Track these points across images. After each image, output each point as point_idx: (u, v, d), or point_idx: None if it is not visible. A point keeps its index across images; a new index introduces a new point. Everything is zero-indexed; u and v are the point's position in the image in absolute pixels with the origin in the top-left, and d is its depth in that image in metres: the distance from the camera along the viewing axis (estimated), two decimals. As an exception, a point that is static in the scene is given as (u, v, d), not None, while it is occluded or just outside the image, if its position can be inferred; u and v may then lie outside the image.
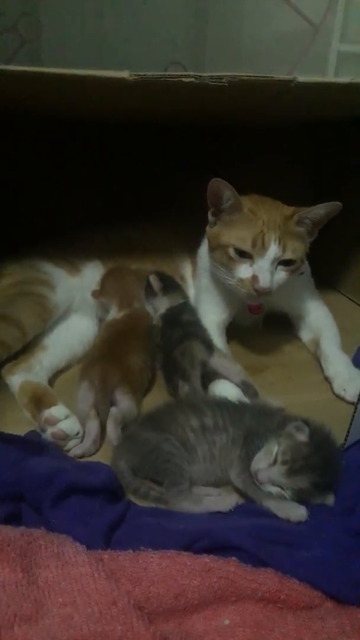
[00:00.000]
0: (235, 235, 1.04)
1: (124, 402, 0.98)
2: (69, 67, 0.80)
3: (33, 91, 0.94)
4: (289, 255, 1.04)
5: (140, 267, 1.28)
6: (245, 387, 1.04)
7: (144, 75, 0.82)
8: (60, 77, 0.81)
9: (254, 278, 1.02)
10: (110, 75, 0.82)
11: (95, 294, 1.21)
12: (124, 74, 0.81)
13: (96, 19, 1.33)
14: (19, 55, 1.31)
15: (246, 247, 1.02)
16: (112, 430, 0.93)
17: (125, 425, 0.96)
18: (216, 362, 1.06)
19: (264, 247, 1.02)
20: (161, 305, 1.17)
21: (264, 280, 1.02)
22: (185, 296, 1.23)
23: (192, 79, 0.85)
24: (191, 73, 0.85)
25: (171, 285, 1.22)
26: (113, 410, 0.96)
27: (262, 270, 1.02)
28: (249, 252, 1.03)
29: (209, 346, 1.07)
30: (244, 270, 1.05)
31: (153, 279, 1.17)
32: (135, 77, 0.82)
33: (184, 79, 0.85)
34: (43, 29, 1.30)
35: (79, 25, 1.33)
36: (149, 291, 1.18)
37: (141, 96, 0.95)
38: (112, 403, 0.98)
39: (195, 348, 1.05)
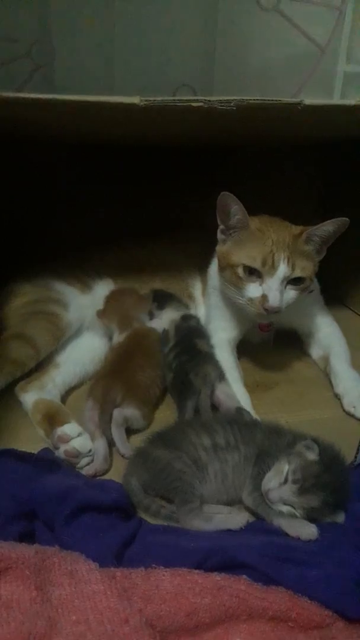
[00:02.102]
0: (246, 254, 1.06)
1: (128, 409, 1.00)
2: (82, 92, 0.82)
3: (46, 117, 0.97)
4: (298, 274, 1.05)
5: (150, 285, 1.31)
6: (239, 413, 1.03)
7: (154, 100, 0.84)
8: (72, 103, 0.83)
9: (264, 297, 1.04)
10: (122, 101, 0.84)
11: (99, 314, 1.23)
12: (135, 99, 0.83)
13: (107, 44, 1.37)
14: (33, 80, 1.34)
15: (256, 265, 1.04)
16: (115, 432, 0.95)
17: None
18: (221, 388, 1.06)
19: (273, 267, 1.03)
20: (167, 317, 1.21)
21: (274, 300, 1.03)
22: (185, 307, 1.27)
23: (201, 104, 0.86)
24: (200, 98, 0.87)
25: (164, 298, 1.25)
26: (115, 412, 0.98)
27: (271, 290, 1.03)
28: (259, 271, 1.04)
29: (221, 374, 1.08)
30: (254, 290, 1.06)
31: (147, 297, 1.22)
32: (146, 102, 0.84)
33: (193, 104, 0.87)
34: (56, 54, 1.34)
35: (91, 50, 1.36)
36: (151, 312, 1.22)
37: (151, 120, 0.97)
38: None
39: (209, 369, 1.06)
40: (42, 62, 1.33)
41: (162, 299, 1.26)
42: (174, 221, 1.45)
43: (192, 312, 1.30)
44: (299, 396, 1.17)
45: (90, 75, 1.37)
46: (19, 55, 1.32)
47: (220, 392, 1.04)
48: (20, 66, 1.32)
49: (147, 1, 1.33)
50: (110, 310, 1.23)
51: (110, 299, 1.26)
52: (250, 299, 1.06)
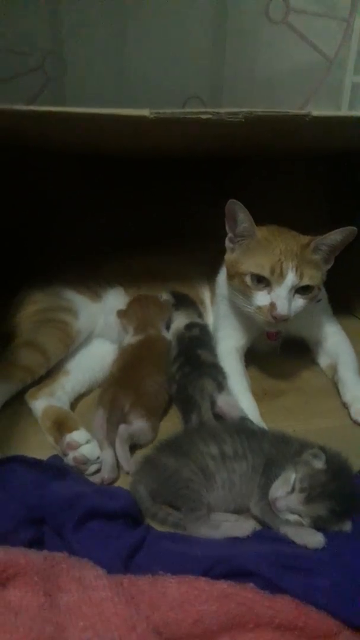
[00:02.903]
0: (254, 263, 1.07)
1: (136, 423, 1.00)
2: (92, 104, 0.84)
3: (57, 128, 0.99)
4: (306, 282, 1.06)
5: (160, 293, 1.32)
6: (242, 422, 1.04)
7: (164, 112, 0.85)
8: (83, 115, 0.85)
9: (272, 305, 1.04)
10: (131, 114, 0.85)
11: (120, 314, 1.25)
12: (144, 112, 0.85)
13: (117, 56, 1.39)
14: (44, 93, 1.36)
15: (265, 273, 1.05)
16: (119, 448, 0.95)
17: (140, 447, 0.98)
18: (221, 398, 1.06)
19: (282, 275, 1.04)
20: (177, 320, 1.22)
21: (282, 308, 1.03)
22: (200, 315, 1.27)
23: (210, 116, 0.88)
24: (209, 110, 0.88)
25: (185, 301, 1.26)
26: (121, 427, 0.98)
27: (280, 298, 1.04)
28: (267, 279, 1.05)
29: (220, 385, 1.09)
30: (262, 298, 1.07)
31: (166, 295, 1.21)
32: (155, 114, 0.85)
33: (201, 116, 0.88)
34: (67, 67, 1.36)
35: (101, 63, 1.38)
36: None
37: (161, 131, 0.98)
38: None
39: (206, 383, 1.07)
40: (54, 74, 1.36)
41: (179, 300, 1.28)
42: (183, 230, 1.46)
43: (202, 319, 1.30)
44: (307, 405, 1.18)
45: (101, 88, 1.39)
46: (31, 68, 1.34)
47: (222, 403, 1.05)
48: (33, 79, 1.35)
49: (156, 14, 1.35)
50: (132, 312, 1.25)
51: (134, 302, 1.28)
52: (259, 307, 1.07)
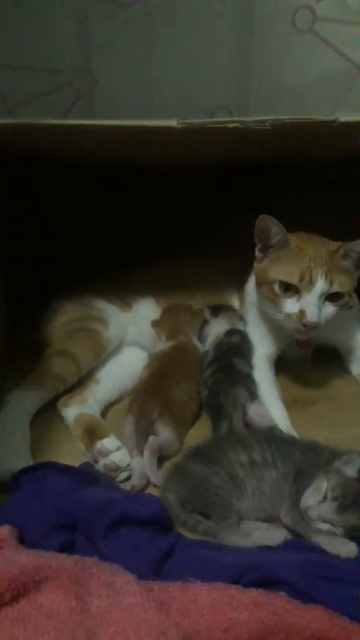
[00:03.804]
0: (283, 270, 1.06)
1: (163, 434, 1.01)
2: (121, 116, 0.85)
3: (87, 141, 1.01)
4: (336, 289, 1.05)
5: (190, 302, 1.32)
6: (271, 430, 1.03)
7: (191, 122, 0.86)
8: (112, 128, 0.87)
9: (302, 313, 1.04)
10: (159, 124, 0.86)
11: (153, 324, 1.27)
12: (172, 122, 0.86)
13: (145, 70, 1.41)
14: (75, 108, 1.39)
15: (294, 280, 1.04)
16: (147, 460, 0.95)
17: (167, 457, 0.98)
18: (252, 408, 1.06)
19: (311, 282, 1.03)
20: (216, 329, 1.23)
21: (312, 315, 1.02)
22: (242, 318, 1.28)
23: (237, 124, 0.88)
24: (236, 119, 0.89)
25: (223, 308, 1.28)
26: (151, 439, 0.98)
27: (309, 305, 1.03)
28: (296, 286, 1.05)
29: (252, 394, 1.09)
30: (291, 305, 1.06)
31: (202, 306, 1.24)
32: (183, 124, 0.86)
33: (228, 125, 0.88)
34: (97, 82, 1.39)
35: (129, 76, 1.41)
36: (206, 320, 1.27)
37: (189, 142, 1.00)
38: (154, 435, 1.00)
39: (239, 393, 1.07)
40: (84, 90, 1.39)
41: (216, 308, 1.29)
42: (212, 238, 1.47)
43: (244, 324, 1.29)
44: (338, 413, 1.16)
45: (130, 101, 1.42)
46: (62, 84, 1.38)
47: (252, 413, 1.04)
48: (64, 95, 1.38)
49: (182, 27, 1.36)
50: (163, 320, 1.27)
51: (166, 310, 1.30)
52: (288, 315, 1.06)
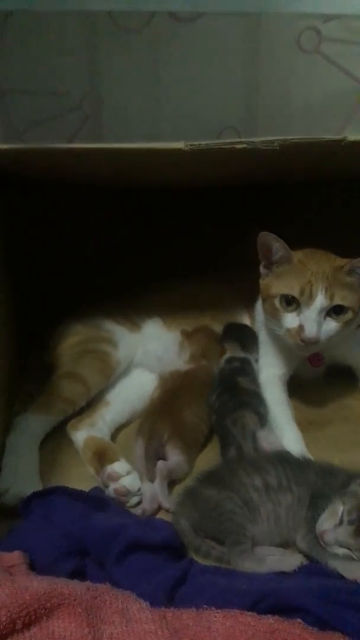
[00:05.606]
0: (284, 285, 1.07)
1: (173, 457, 0.99)
2: (129, 139, 0.86)
3: (94, 165, 1.02)
4: (337, 302, 1.04)
5: (199, 323, 1.32)
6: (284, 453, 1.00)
7: (199, 144, 0.87)
8: (120, 151, 0.87)
9: (300, 328, 1.03)
10: (167, 147, 0.87)
11: (184, 333, 1.28)
12: (180, 144, 0.86)
13: (153, 92, 1.42)
14: (83, 131, 1.41)
15: (294, 292, 1.04)
16: (158, 486, 0.94)
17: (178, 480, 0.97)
18: (262, 435, 1.04)
19: (311, 297, 1.03)
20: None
21: (310, 330, 1.02)
22: (245, 347, 1.24)
23: (245, 145, 0.88)
24: (243, 139, 0.89)
25: (230, 335, 1.25)
26: (159, 464, 0.97)
27: (308, 320, 1.02)
28: (296, 300, 1.04)
29: (262, 418, 1.07)
30: (291, 320, 1.06)
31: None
32: (191, 146, 0.87)
33: (236, 146, 0.89)
34: (104, 105, 1.41)
35: (137, 99, 1.43)
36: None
37: (196, 163, 1.00)
38: (164, 458, 0.99)
39: (247, 418, 1.05)
40: (91, 113, 1.41)
41: (225, 335, 1.27)
42: (219, 258, 1.46)
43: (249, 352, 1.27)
44: (355, 434, 1.14)
45: (137, 123, 1.43)
46: (70, 108, 1.40)
47: (262, 441, 1.02)
48: (72, 118, 1.40)
49: (189, 50, 1.39)
50: (196, 338, 1.27)
51: (201, 329, 1.30)
52: (288, 330, 1.06)
